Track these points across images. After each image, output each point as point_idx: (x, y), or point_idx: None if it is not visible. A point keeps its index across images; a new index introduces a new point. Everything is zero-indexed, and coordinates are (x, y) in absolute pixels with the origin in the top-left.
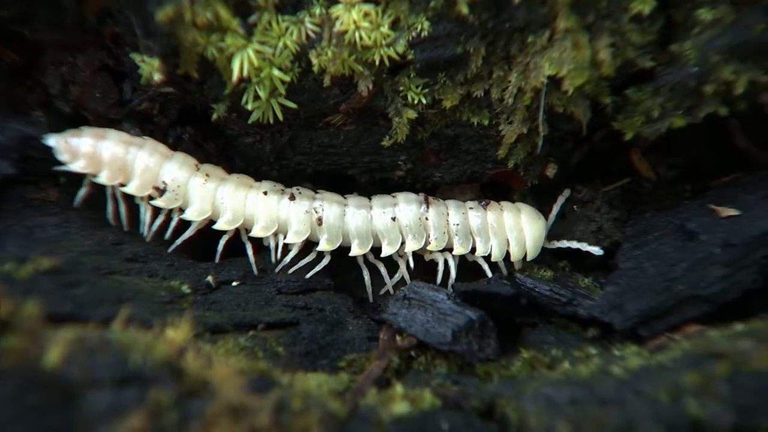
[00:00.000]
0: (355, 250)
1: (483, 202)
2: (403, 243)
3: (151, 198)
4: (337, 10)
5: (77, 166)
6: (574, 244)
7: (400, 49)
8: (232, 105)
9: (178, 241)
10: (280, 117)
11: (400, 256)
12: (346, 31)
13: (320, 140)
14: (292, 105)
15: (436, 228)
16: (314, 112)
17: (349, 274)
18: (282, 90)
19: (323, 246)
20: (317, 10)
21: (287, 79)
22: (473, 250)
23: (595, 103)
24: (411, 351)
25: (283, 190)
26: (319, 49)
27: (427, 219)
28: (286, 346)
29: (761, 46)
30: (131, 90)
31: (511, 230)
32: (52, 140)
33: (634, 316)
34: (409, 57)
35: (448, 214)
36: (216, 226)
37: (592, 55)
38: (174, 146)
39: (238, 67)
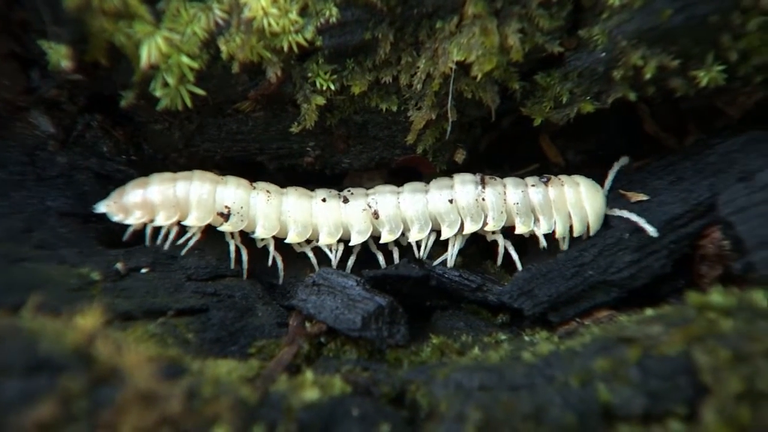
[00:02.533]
0: (415, 235)
1: (544, 178)
2: (462, 224)
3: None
4: None
5: (134, 220)
6: (633, 217)
7: (309, 35)
8: (140, 92)
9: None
10: (189, 104)
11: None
12: (254, 18)
13: (229, 127)
14: (200, 92)
15: (493, 208)
16: (223, 98)
17: (259, 261)
18: (191, 77)
19: (386, 237)
20: None
21: (196, 66)
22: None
23: (504, 89)
24: (321, 337)
25: (339, 194)
26: (228, 36)
27: (484, 200)
28: (196, 333)
29: (669, 31)
30: (39, 77)
31: (573, 205)
32: (102, 207)
33: (543, 302)
34: (318, 43)
35: (505, 193)
36: (287, 240)
37: (501, 40)
38: (83, 133)
39: (146, 54)
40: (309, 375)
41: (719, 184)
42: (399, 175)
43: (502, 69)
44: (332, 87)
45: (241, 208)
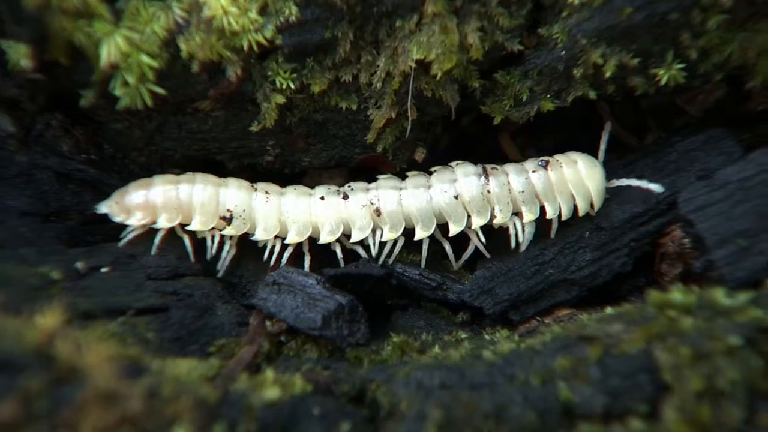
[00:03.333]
0: (420, 234)
1: (541, 162)
2: (469, 218)
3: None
4: None
5: (135, 221)
6: (634, 182)
7: (269, 34)
8: (100, 91)
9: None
10: (149, 103)
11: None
12: (213, 17)
13: (189, 126)
14: (160, 91)
15: (499, 200)
16: (183, 97)
17: (218, 259)
18: (150, 76)
19: (387, 235)
20: None
21: (156, 65)
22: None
23: (464, 87)
24: (281, 336)
25: (337, 191)
26: (188, 35)
27: (489, 192)
28: (156, 332)
29: (629, 29)
30: None
31: (575, 185)
32: (104, 207)
33: (504, 301)
34: (278, 42)
35: (509, 183)
36: (287, 241)
37: (461, 39)
38: (43, 132)
39: (106, 53)
40: (269, 374)
41: (679, 182)
42: (359, 174)
43: (462, 67)
44: (292, 86)
45: (243, 210)
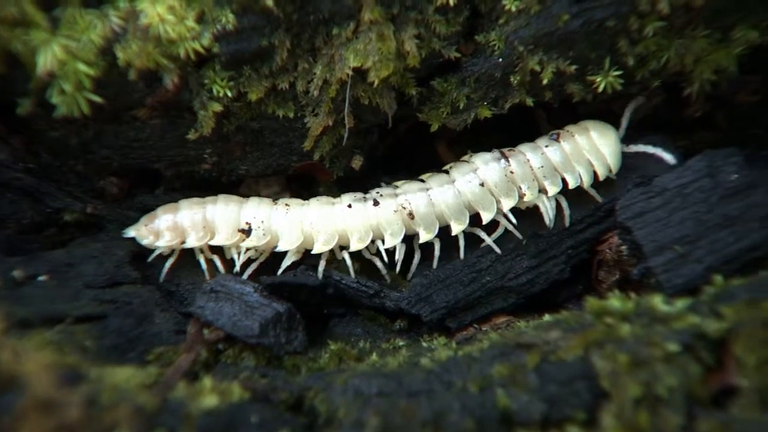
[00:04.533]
0: (456, 229)
1: (553, 135)
2: (498, 204)
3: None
4: (142, 4)
5: (163, 243)
6: (650, 149)
7: (206, 42)
8: (37, 99)
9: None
10: (86, 111)
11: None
12: (150, 25)
13: (126, 134)
14: (97, 99)
15: (523, 178)
16: (120, 106)
17: (156, 267)
18: (87, 84)
19: (424, 237)
20: (122, 4)
21: (92, 73)
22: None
23: (401, 95)
24: (219, 344)
25: (364, 198)
26: (124, 43)
27: (512, 172)
28: (94, 340)
29: (567, 36)
30: None
31: (590, 151)
32: (132, 232)
33: (441, 308)
34: (215, 50)
35: (528, 160)
36: (314, 251)
37: (398, 46)
38: None
39: (43, 62)
40: (207, 382)
41: (617, 189)
42: (295, 182)
43: (399, 75)
44: (229, 94)
45: (262, 222)
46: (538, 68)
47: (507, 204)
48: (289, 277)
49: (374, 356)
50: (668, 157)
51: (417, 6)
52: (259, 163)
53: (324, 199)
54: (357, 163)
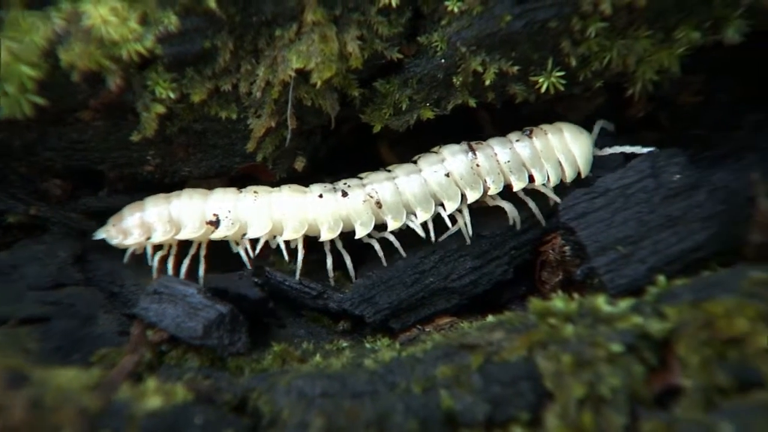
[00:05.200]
0: (422, 216)
1: (526, 131)
2: (463, 196)
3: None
4: (84, 6)
5: (132, 240)
6: (627, 148)
7: (148, 44)
8: None
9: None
10: (29, 113)
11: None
12: (92, 27)
13: (69, 136)
14: (40, 101)
15: (489, 172)
16: (64, 107)
17: (99, 269)
18: (30, 86)
19: (392, 226)
20: (65, 6)
21: (36, 75)
22: (531, 181)
23: (344, 96)
24: (162, 345)
25: (334, 188)
26: (67, 45)
27: (478, 165)
28: (38, 342)
29: (509, 36)
30: None
31: (560, 151)
32: (101, 233)
33: (384, 309)
34: (158, 52)
35: (496, 154)
36: (283, 238)
37: (340, 47)
38: None
39: None
40: (151, 383)
41: (560, 189)
42: (239, 183)
43: (342, 76)
44: (172, 95)
45: (229, 212)
46: (480, 69)
47: (471, 196)
48: (233, 284)
49: (318, 357)
50: (646, 151)
51: (359, 7)
52: (202, 164)
53: (295, 187)
54: (300, 164)
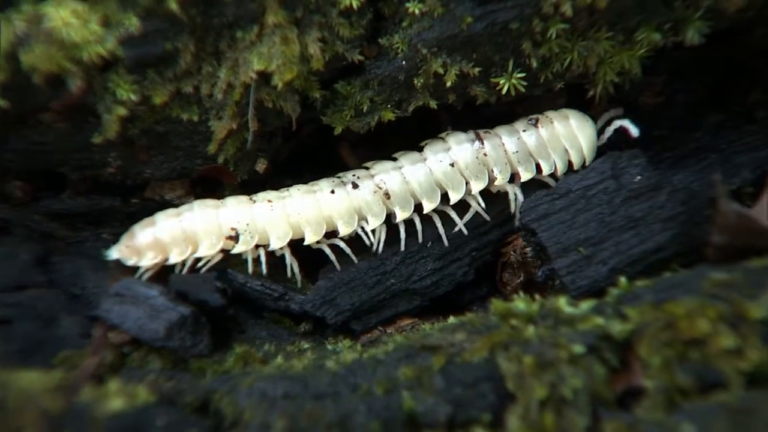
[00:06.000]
0: (427, 207)
1: (532, 120)
2: (468, 185)
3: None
4: (46, 8)
5: (147, 261)
6: (617, 123)
7: (110, 46)
8: None
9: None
10: None
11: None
12: (54, 29)
13: (31, 138)
14: (1, 103)
15: (496, 162)
16: (25, 110)
17: (62, 271)
18: None
19: (400, 216)
20: (26, 8)
21: None
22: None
23: (305, 98)
24: (125, 347)
25: (342, 182)
26: (29, 47)
27: (485, 155)
28: (0, 344)
29: (470, 38)
30: None
31: (567, 139)
32: (114, 253)
33: (346, 311)
34: (119, 54)
35: (503, 144)
36: (306, 242)
37: (301, 49)
38: None
39: None
40: (113, 385)
41: (522, 191)
42: (200, 185)
43: (303, 78)
44: (133, 97)
45: (247, 225)
46: (441, 71)
47: (476, 186)
48: (194, 288)
49: (279, 359)
50: (633, 129)
51: (321, 9)
52: (163, 166)
53: (303, 187)
54: (261, 166)
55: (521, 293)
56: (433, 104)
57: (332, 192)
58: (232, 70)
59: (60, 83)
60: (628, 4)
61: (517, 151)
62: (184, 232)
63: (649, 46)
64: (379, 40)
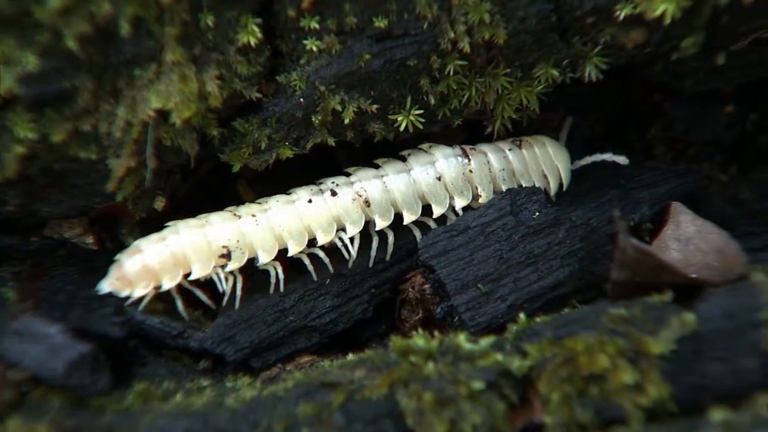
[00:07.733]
0: (408, 218)
1: (516, 141)
2: (452, 200)
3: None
4: None
5: (140, 290)
6: (598, 157)
7: (7, 84)
8: None
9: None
10: None
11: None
12: None
13: None
14: None
15: (481, 179)
16: None
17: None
18: None
19: (380, 224)
20: None
21: None
22: None
23: (203, 135)
24: (24, 385)
25: (320, 189)
26: None
27: (471, 172)
28: None
29: (368, 75)
30: None
31: (545, 164)
32: (105, 285)
33: (245, 348)
34: (17, 92)
35: (489, 162)
36: (290, 254)
37: (199, 87)
38: None
39: None
40: (13, 423)
41: (420, 227)
42: (98, 223)
43: (201, 116)
44: (31, 136)
45: (237, 241)
46: (339, 108)
47: (459, 203)
48: (95, 323)
49: (179, 396)
50: (621, 159)
51: (218, 47)
52: (62, 204)
53: (282, 198)
54: (160, 204)
55: (420, 330)
56: (331, 141)
57: (309, 201)
58: (131, 108)
59: None
60: (526, 40)
61: (503, 169)
62: (173, 255)
63: (548, 83)
64: (277, 77)
